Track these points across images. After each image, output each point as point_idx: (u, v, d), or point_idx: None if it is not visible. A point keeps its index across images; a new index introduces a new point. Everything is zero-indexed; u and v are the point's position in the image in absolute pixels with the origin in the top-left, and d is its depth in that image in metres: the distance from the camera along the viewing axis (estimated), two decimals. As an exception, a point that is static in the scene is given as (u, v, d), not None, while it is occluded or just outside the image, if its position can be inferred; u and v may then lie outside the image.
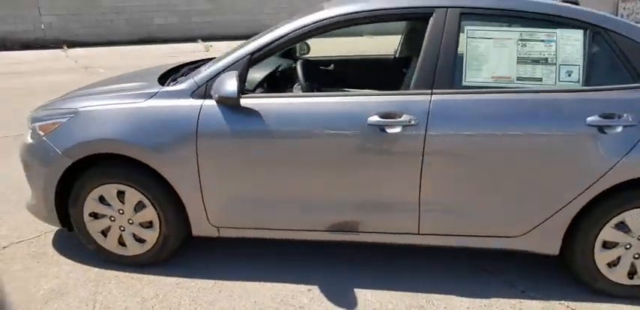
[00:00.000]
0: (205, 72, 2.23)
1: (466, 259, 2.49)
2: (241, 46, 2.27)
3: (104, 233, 2.40)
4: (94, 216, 2.37)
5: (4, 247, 2.65)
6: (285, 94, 2.45)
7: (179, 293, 2.23)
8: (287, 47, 2.40)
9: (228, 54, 2.27)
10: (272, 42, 2.18)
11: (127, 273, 2.38)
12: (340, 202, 2.18)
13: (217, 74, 2.16)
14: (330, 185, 2.16)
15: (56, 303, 2.16)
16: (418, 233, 2.22)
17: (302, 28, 2.17)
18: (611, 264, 2.14)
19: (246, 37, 2.86)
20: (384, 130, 2.04)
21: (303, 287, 2.28)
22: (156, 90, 2.27)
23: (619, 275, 2.14)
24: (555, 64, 2.07)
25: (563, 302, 2.17)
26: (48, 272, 2.40)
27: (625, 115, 1.97)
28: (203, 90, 2.18)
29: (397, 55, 3.19)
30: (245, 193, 2.24)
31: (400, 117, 2.03)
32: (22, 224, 2.87)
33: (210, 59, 2.70)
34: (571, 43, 2.07)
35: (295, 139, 2.12)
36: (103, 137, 2.22)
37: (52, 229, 2.77)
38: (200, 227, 2.32)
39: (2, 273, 2.40)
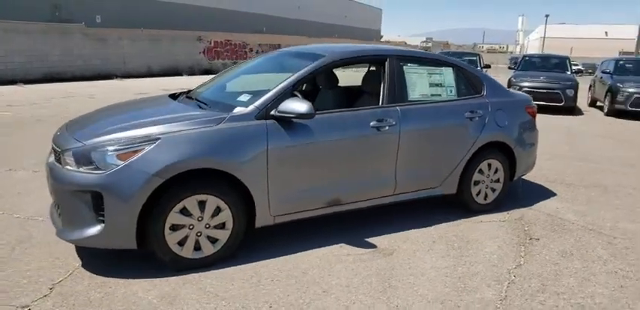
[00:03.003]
0: (262, 99, 2.92)
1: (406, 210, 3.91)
2: (283, 81, 3.04)
3: (181, 243, 2.75)
4: (173, 228, 2.71)
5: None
6: (325, 111, 3.17)
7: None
8: (308, 80, 3.30)
9: (276, 85, 3.01)
10: (302, 77, 3.08)
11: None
12: (360, 179, 3.27)
13: (272, 100, 2.91)
14: (354, 167, 3.22)
15: None
16: (393, 194, 3.51)
17: (317, 68, 3.15)
18: (478, 193, 3.93)
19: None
20: (379, 129, 3.26)
21: (336, 246, 3.24)
22: (225, 116, 2.83)
23: (480, 199, 3.95)
24: (444, 86, 3.72)
25: (463, 220, 3.85)
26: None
27: (478, 111, 3.77)
28: (264, 113, 2.89)
29: (362, 84, 3.91)
30: (295, 186, 3.04)
31: (386, 120, 3.28)
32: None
33: None
34: (448, 74, 3.75)
35: (334, 139, 3.09)
36: (195, 157, 2.64)
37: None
38: (263, 219, 2.98)
39: None
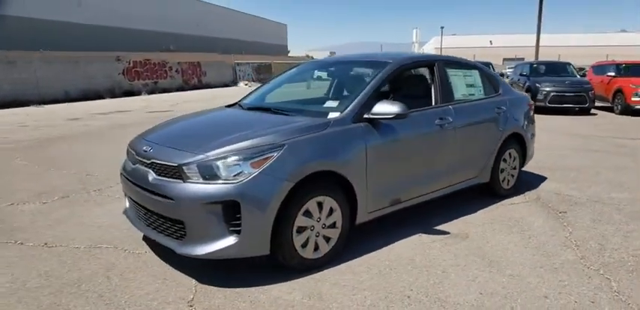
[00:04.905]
0: (353, 104, 3.14)
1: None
2: (364, 87, 3.29)
3: (303, 245, 2.86)
4: (299, 230, 2.82)
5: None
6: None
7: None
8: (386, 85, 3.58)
9: (360, 91, 3.25)
10: (381, 82, 3.36)
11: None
12: (431, 172, 3.61)
13: (362, 105, 3.16)
14: (427, 162, 3.57)
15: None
16: (450, 185, 3.89)
17: (389, 73, 3.46)
18: (503, 180, 4.46)
19: None
20: (441, 126, 3.64)
21: (416, 236, 3.54)
22: (329, 120, 3.01)
23: (505, 185, 4.49)
24: (475, 86, 4.21)
25: (497, 204, 4.34)
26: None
27: (502, 107, 4.31)
28: (358, 117, 3.12)
29: (410, 88, 4.16)
30: (385, 182, 3.28)
31: (446, 118, 3.68)
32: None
33: None
34: (476, 76, 4.26)
35: (412, 137, 3.40)
36: (316, 160, 2.79)
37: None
38: (362, 216, 3.18)
39: None
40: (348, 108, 3.16)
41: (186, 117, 3.77)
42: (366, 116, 3.14)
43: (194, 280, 2.85)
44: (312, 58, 63.18)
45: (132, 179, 3.04)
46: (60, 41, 21.68)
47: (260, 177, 2.62)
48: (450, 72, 3.98)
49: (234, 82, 31.19)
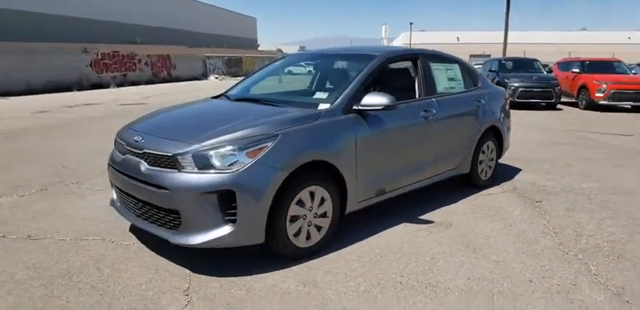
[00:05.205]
0: (343, 96, 3.19)
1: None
2: (353, 79, 3.33)
3: (296, 234, 2.90)
4: (292, 219, 2.86)
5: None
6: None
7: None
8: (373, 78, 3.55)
9: (349, 83, 3.29)
10: (368, 75, 3.41)
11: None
12: (415, 163, 3.71)
13: (351, 96, 3.21)
14: (412, 153, 3.67)
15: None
16: (431, 176, 4.01)
17: (376, 66, 3.51)
18: (481, 171, 4.62)
19: None
20: (426, 118, 3.74)
21: (401, 226, 3.63)
22: (319, 111, 3.04)
23: (483, 176, 4.65)
24: (456, 80, 4.33)
25: (476, 194, 4.49)
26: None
27: (481, 100, 4.45)
28: (348, 108, 3.16)
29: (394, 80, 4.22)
30: (373, 172, 3.35)
31: (430, 111, 3.77)
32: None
33: None
34: (457, 70, 4.37)
35: (398, 128, 3.48)
36: (309, 150, 2.83)
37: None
38: (351, 205, 3.24)
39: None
40: (338, 100, 3.20)
41: (174, 108, 3.73)
42: (355, 107, 3.19)
43: (187, 270, 2.85)
44: (282, 51, 62.79)
45: (121, 169, 3.00)
46: (22, 32, 20.80)
47: (255, 166, 2.64)
48: (433, 65, 4.08)
49: (204, 76, 30.72)
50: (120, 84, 21.69)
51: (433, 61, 4.14)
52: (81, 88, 19.27)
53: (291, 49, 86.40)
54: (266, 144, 2.71)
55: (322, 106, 3.17)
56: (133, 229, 3.47)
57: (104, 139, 7.27)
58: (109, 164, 3.26)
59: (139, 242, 3.26)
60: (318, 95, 3.39)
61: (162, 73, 26.12)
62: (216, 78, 30.38)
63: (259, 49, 58.74)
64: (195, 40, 36.37)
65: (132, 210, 3.03)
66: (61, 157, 6.11)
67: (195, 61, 30.03)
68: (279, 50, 69.83)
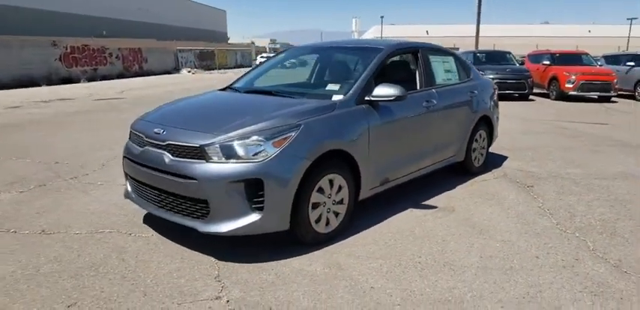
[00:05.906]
0: (355, 87, 3.30)
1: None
2: (363, 71, 3.45)
3: (316, 220, 3.02)
4: (313, 206, 2.97)
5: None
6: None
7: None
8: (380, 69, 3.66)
9: (360, 75, 3.40)
10: (377, 67, 3.54)
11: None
12: (420, 151, 3.87)
13: (362, 88, 3.33)
14: (417, 141, 3.84)
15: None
16: (432, 164, 4.19)
17: (383, 59, 3.64)
18: (475, 159, 4.84)
19: None
20: (428, 108, 3.91)
21: (407, 211, 3.80)
22: (335, 102, 3.15)
23: (476, 163, 4.88)
24: (451, 72, 4.51)
25: (471, 181, 4.71)
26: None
27: (474, 91, 4.65)
28: (360, 99, 3.29)
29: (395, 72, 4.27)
30: (384, 160, 3.49)
31: (431, 101, 3.94)
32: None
33: None
34: (452, 62, 4.55)
35: (405, 118, 3.63)
36: (329, 139, 2.94)
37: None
38: (365, 192, 3.38)
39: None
40: (351, 91, 3.32)
41: (185, 101, 3.77)
42: (367, 98, 3.32)
43: (212, 258, 2.93)
44: (255, 44, 62.22)
45: (141, 161, 3.04)
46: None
47: (281, 156, 2.73)
48: (432, 58, 4.24)
49: (176, 69, 30.23)
50: (91, 79, 21.13)
51: (432, 54, 4.30)
52: (50, 83, 18.69)
53: (263, 43, 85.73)
54: (290, 134, 2.80)
55: (336, 97, 3.28)
56: (148, 221, 3.51)
57: (90, 134, 7.19)
58: (124, 156, 3.28)
59: (156, 234, 3.31)
60: (331, 87, 3.50)
61: (134, 67, 25.57)
62: (189, 71, 29.94)
63: (230, 41, 58.03)
64: (165, 34, 35.66)
65: (153, 202, 3.08)
66: (50, 153, 6.01)
67: (167, 55, 29.51)
68: (252, 43, 69.15)
